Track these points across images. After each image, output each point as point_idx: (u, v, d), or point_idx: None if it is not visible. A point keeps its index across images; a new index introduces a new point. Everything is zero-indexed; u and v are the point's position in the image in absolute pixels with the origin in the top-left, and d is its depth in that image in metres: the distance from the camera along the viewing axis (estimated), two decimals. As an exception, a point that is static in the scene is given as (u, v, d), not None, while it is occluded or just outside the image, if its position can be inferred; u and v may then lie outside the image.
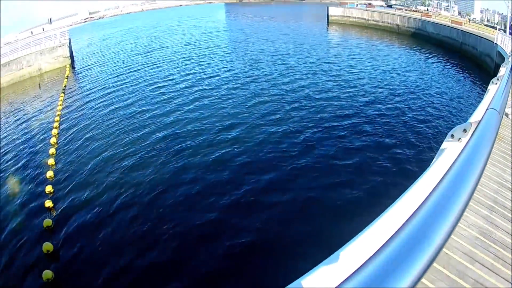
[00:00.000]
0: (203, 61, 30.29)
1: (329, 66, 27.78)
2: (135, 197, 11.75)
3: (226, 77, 25.04)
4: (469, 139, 2.40)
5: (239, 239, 9.62)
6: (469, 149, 2.05)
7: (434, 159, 2.94)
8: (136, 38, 44.49)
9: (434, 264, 1.99)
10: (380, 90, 21.67)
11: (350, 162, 12.80)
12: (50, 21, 53.23)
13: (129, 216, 10.85)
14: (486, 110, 3.00)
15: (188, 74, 26.20)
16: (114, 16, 77.49)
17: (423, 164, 11.73)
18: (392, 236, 1.05)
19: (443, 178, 1.51)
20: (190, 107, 19.44)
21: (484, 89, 20.66)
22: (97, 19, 73.20)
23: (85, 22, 67.97)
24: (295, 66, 27.57)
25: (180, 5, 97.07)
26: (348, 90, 21.53)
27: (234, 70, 27.07)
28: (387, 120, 16.88)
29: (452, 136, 2.95)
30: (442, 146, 3.01)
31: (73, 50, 35.67)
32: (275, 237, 9.55)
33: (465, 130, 2.84)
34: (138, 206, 11.28)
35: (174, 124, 17.37)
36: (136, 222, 10.52)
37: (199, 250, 9.41)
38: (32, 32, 41.31)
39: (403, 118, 17.18)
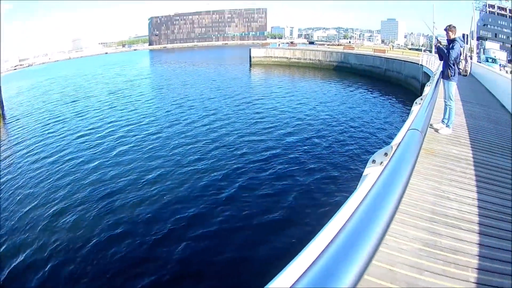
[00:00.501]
0: (126, 109, 30.01)
1: (250, 106, 27.34)
2: (64, 245, 11.12)
3: (149, 123, 24.89)
4: (388, 161, 2.29)
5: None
6: (388, 171, 2.02)
7: (358, 185, 3.04)
8: (62, 87, 44.53)
9: (381, 282, 2.51)
10: (302, 123, 21.55)
11: (275, 193, 12.60)
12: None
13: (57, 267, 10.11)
14: (407, 130, 2.94)
15: (111, 122, 25.71)
16: (43, 64, 78.12)
17: (350, 191, 9.09)
18: (314, 261, 1.10)
19: (363, 200, 1.57)
20: (113, 154, 19.16)
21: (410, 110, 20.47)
22: (27, 66, 73.92)
23: (15, 69, 67.54)
24: (216, 109, 27.26)
25: (106, 53, 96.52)
26: (269, 127, 21.33)
27: (156, 116, 26.81)
28: (310, 151, 16.85)
29: (374, 161, 3.06)
30: (365, 172, 3.13)
31: (3, 100, 33.56)
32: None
33: (386, 154, 2.97)
34: (66, 253, 10.71)
35: (100, 172, 16.95)
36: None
37: None
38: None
39: (328, 149, 17.11)
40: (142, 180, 15.60)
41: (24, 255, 11.38)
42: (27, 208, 14.04)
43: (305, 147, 17.79)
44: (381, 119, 21.62)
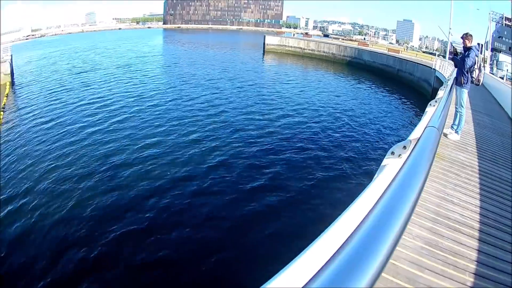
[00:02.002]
0: (132, 83, 30.42)
1: (260, 91, 27.54)
2: (79, 228, 10.83)
3: (152, 96, 25.42)
4: (409, 155, 2.45)
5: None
6: (410, 164, 2.13)
7: (376, 175, 3.06)
8: (72, 59, 44.29)
9: (383, 275, 2.20)
10: (310, 114, 21.49)
11: (286, 178, 12.79)
12: (-8, 36, 49.23)
13: (62, 239, 10.05)
14: (426, 127, 3.09)
15: (116, 94, 26.31)
16: (55, 36, 77.48)
17: (365, 181, 12.12)
18: (339, 249, 1.09)
19: (386, 191, 1.56)
20: (113, 122, 19.82)
21: (421, 112, 21.22)
22: (39, 37, 72.89)
23: (27, 39, 66.71)
24: (225, 90, 27.52)
25: (120, 28, 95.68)
26: (274, 113, 21.28)
27: (160, 90, 27.23)
28: (324, 142, 16.83)
29: (393, 153, 3.09)
30: (383, 163, 3.15)
31: (14, 67, 33.89)
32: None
33: (404, 147, 3.03)
34: (71, 224, 10.70)
35: (98, 139, 17.49)
36: (69, 242, 9.78)
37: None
38: (-28, 46, 40.04)
39: (342, 140, 17.17)
40: (136, 146, 16.35)
41: (23, 217, 11.65)
42: (26, 169, 14.50)
43: (315, 137, 17.79)
44: (392, 117, 21.72)
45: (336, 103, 24.54)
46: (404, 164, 2.04)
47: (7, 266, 9.53)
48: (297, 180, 13.05)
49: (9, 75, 32.19)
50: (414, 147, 2.64)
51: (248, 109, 22.65)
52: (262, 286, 1.21)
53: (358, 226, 1.22)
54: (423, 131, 2.94)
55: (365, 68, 39.94)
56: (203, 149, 16.19)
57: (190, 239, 9.99)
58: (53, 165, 15.19)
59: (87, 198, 12.36)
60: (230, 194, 12.35)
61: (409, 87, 30.46)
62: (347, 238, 1.15)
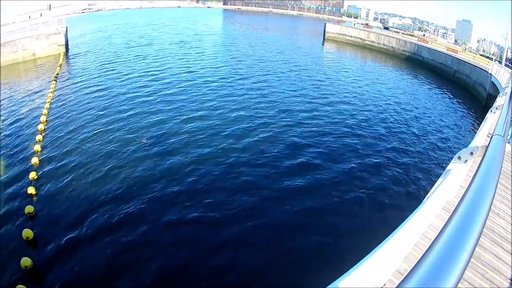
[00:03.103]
0: (186, 59, 31.37)
1: (314, 76, 28.36)
2: (120, 188, 11.52)
3: (204, 74, 26.41)
4: (480, 164, 2.36)
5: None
6: (483, 174, 2.06)
7: (441, 178, 3.16)
8: (130, 33, 45.10)
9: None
10: (366, 104, 21.94)
11: (344, 174, 13.01)
12: (50, 8, 52.56)
13: (111, 208, 10.58)
14: (492, 136, 3.02)
15: (169, 68, 27.37)
16: (113, 10, 77.89)
17: (427, 181, 12.72)
18: (432, 244, 1.13)
19: (463, 199, 1.57)
20: (168, 96, 20.52)
21: (476, 117, 21.94)
22: (95, 11, 73.59)
23: (83, 12, 67.72)
24: (278, 72, 28.33)
25: (179, 6, 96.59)
26: (335, 101, 21.71)
27: (215, 69, 27.95)
28: (372, 132, 17.24)
29: (459, 158, 3.10)
30: (449, 167, 3.17)
31: (68, 39, 34.98)
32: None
33: (471, 153, 2.98)
34: (121, 197, 11.04)
35: (157, 112, 18.07)
36: (119, 214, 10.33)
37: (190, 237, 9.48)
38: (30, 17, 39.48)
39: (394, 132, 17.56)
40: (184, 117, 17.21)
41: (66, 173, 12.58)
42: (74, 131, 15.58)
43: (364, 125, 18.12)
44: (446, 117, 21.72)
45: (390, 96, 24.85)
46: (476, 173, 2.09)
47: (45, 213, 10.53)
48: (335, 165, 13.55)
49: (64, 46, 33.37)
50: (483, 156, 2.62)
51: (299, 92, 23.24)
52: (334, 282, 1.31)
53: (442, 230, 1.25)
54: (490, 139, 2.93)
55: (423, 65, 40.18)
56: (250, 124, 17.07)
57: (226, 202, 10.95)
58: (99, 129, 16.26)
59: (130, 161, 13.40)
60: (270, 167, 13.21)
61: (464, 89, 30.54)
62: (435, 239, 1.19)
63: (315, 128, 17.14)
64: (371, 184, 12.42)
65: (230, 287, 8.28)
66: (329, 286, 1.77)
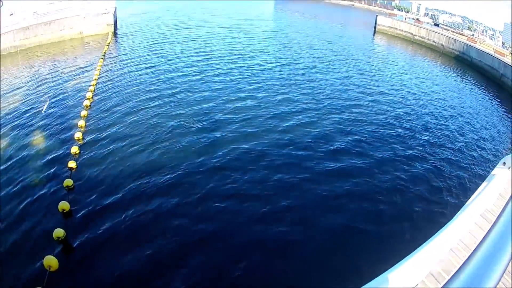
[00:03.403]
0: (235, 42, 31.89)
1: (363, 67, 28.72)
2: (159, 175, 11.45)
3: (251, 57, 26.83)
4: None
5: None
6: None
7: (486, 182, 3.19)
8: (180, 15, 45.48)
9: None
10: (419, 104, 21.81)
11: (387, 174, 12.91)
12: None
13: (150, 187, 10.77)
14: None
15: (216, 50, 27.96)
16: None
17: (467, 181, 12.93)
18: (477, 247, 1.19)
19: (507, 205, 1.62)
20: (214, 77, 21.05)
21: None
22: None
23: None
24: (326, 60, 28.65)
25: None
26: (381, 91, 22.09)
27: (262, 54, 27.97)
28: (416, 127, 17.18)
29: (504, 163, 3.15)
30: (493, 172, 3.19)
31: (117, 19, 35.76)
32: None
33: None
34: (160, 185, 11.01)
35: (203, 91, 18.50)
36: (158, 196, 10.45)
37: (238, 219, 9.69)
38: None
39: (444, 134, 17.32)
40: (228, 98, 17.50)
41: (110, 143, 12.92)
42: (118, 105, 15.88)
43: (407, 118, 18.08)
44: (489, 121, 21.41)
45: (435, 93, 24.87)
46: None
47: (83, 187, 10.76)
48: (378, 155, 13.70)
49: (112, 25, 33.54)
50: None
51: (346, 81, 23.74)
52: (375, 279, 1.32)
53: (488, 233, 1.24)
54: None
55: (470, 65, 40.52)
56: (294, 108, 17.26)
57: (265, 180, 11.30)
58: (144, 107, 16.44)
59: (173, 137, 13.57)
60: (312, 150, 13.44)
61: (509, 94, 30.14)
62: (481, 241, 1.18)
63: (358, 117, 17.34)
64: (412, 177, 12.53)
65: (266, 255, 8.70)
66: (365, 286, 1.81)
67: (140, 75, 21.11)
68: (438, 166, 13.74)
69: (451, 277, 1.08)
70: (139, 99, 17.33)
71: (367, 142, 14.70)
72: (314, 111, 17.32)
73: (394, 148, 14.59)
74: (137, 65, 23.25)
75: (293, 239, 9.17)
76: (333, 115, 17.11)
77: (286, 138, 14.16)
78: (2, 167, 11.68)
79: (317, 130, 15.25)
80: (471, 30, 59.43)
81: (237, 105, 16.94)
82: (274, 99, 18.36)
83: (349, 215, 10.23)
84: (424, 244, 2.60)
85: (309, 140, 14.22)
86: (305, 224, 9.66)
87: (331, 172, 12.08)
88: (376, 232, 9.61)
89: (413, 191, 11.73)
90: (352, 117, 17.19)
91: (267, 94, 18.89)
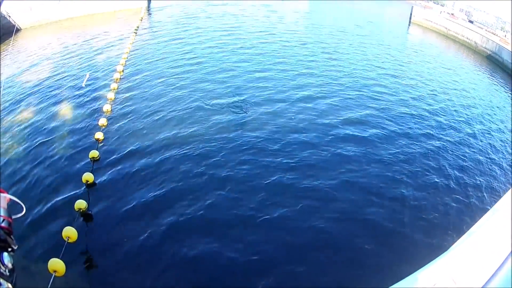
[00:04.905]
0: (269, 22, 32.39)
1: (398, 59, 28.40)
2: (187, 149, 11.44)
3: (280, 51, 25.63)
4: None
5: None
6: None
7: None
8: None
9: None
10: (448, 100, 21.34)
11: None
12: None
13: (175, 166, 10.70)
14: None
15: (252, 27, 28.82)
16: None
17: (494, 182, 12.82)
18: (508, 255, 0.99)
19: None
20: (247, 55, 21.32)
21: None
22: None
23: None
24: (356, 50, 28.41)
25: None
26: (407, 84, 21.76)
27: (291, 45, 27.17)
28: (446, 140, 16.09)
29: None
30: None
31: None
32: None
33: None
34: (187, 159, 11.03)
35: (232, 69, 18.70)
36: (183, 175, 10.37)
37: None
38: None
39: (470, 132, 16.97)
40: (260, 85, 17.06)
41: (135, 119, 12.74)
42: (159, 103, 14.90)
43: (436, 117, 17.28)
44: None
45: (464, 90, 24.24)
46: None
47: (108, 160, 10.61)
48: (406, 143, 13.63)
49: (146, 0, 33.84)
50: None
51: (377, 69, 23.16)
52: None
53: None
54: None
55: (501, 67, 40.54)
56: (323, 92, 17.16)
57: (289, 155, 11.41)
58: (176, 84, 16.10)
59: (205, 110, 13.59)
60: (335, 132, 13.56)
61: None
62: None
63: (386, 105, 17.10)
64: (442, 173, 12.41)
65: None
66: (392, 286, 1.82)
67: (172, 50, 21.41)
68: (468, 163, 13.69)
69: (489, 278, 1.06)
70: (171, 75, 17.39)
71: (394, 131, 14.62)
72: (341, 94, 17.35)
73: (429, 139, 14.53)
74: (170, 40, 23.43)
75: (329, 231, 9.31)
76: (361, 101, 16.94)
77: (313, 117, 14.43)
78: (29, 138, 11.77)
79: (344, 112, 15.48)
80: (504, 31, 59.55)
81: (264, 85, 16.86)
82: (304, 80, 18.47)
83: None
84: (451, 246, 2.67)
85: (336, 122, 14.46)
86: (348, 219, 9.76)
87: (354, 156, 12.26)
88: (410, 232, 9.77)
89: (445, 184, 11.83)
90: (380, 105, 17.12)
91: (296, 73, 19.09)
